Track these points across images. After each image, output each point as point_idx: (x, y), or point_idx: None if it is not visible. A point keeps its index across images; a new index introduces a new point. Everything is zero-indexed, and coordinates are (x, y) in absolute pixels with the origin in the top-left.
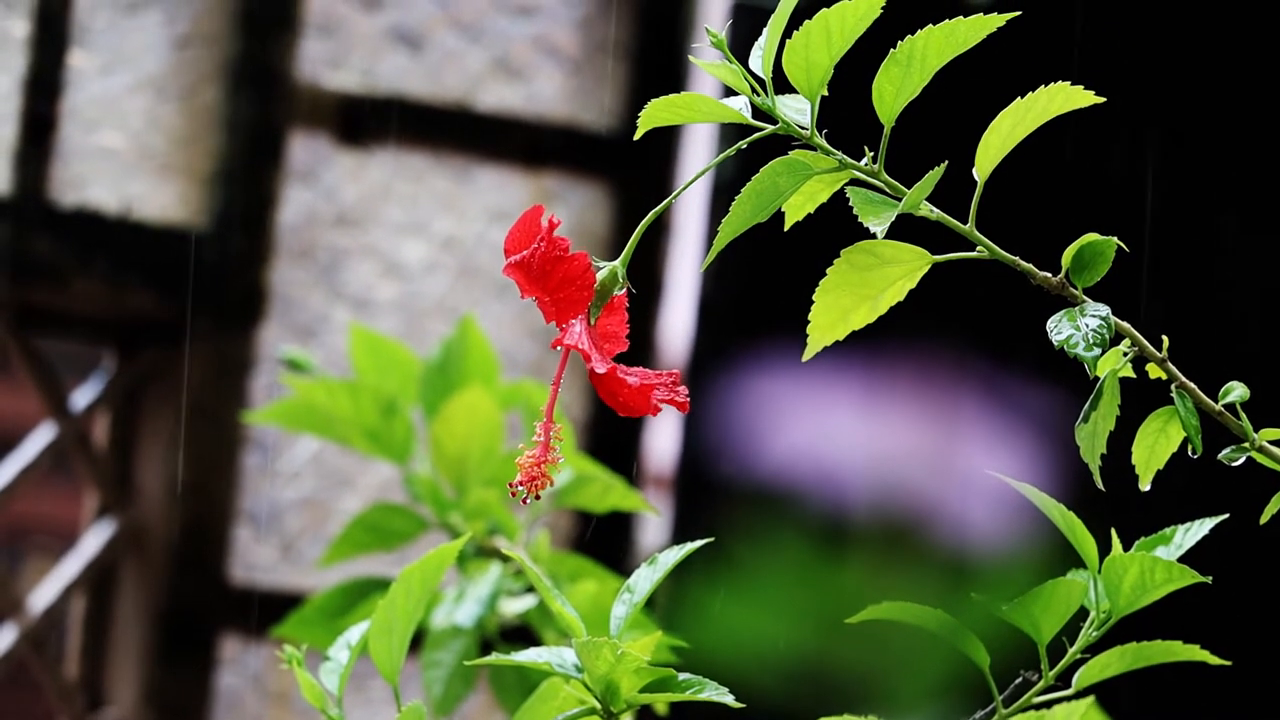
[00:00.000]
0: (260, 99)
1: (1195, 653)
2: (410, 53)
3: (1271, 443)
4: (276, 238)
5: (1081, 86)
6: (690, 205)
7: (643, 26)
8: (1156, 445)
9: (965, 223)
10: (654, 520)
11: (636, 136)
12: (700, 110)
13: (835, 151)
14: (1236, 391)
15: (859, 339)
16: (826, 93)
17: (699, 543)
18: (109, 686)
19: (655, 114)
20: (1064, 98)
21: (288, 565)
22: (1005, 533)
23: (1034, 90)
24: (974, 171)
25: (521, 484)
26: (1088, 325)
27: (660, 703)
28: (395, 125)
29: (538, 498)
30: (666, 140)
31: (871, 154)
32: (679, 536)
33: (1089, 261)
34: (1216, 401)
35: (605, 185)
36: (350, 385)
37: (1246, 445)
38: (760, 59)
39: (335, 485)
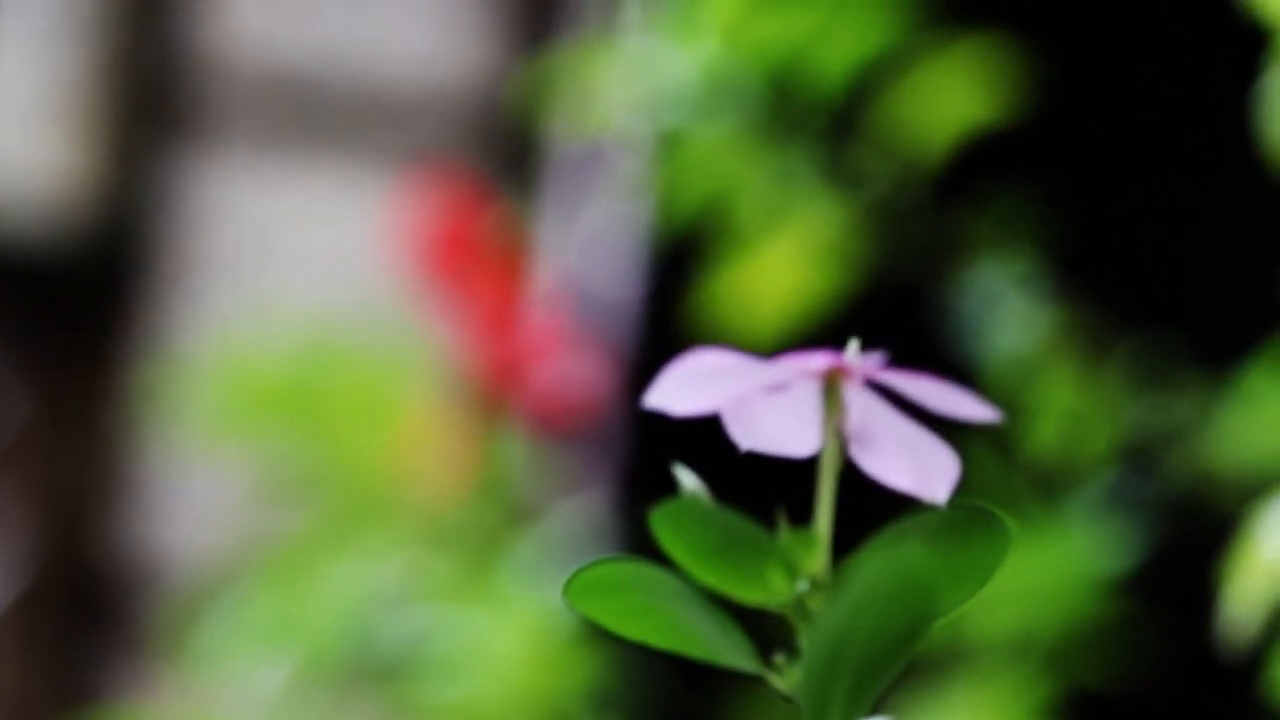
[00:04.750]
0: (128, 90)
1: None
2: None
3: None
4: (145, 243)
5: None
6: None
7: None
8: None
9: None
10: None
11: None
12: (612, 75)
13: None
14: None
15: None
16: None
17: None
18: None
19: (555, 78)
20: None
21: (172, 552)
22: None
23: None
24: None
25: (426, 465)
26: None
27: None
28: (255, 114)
29: (458, 485)
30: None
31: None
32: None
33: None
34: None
35: (492, 160)
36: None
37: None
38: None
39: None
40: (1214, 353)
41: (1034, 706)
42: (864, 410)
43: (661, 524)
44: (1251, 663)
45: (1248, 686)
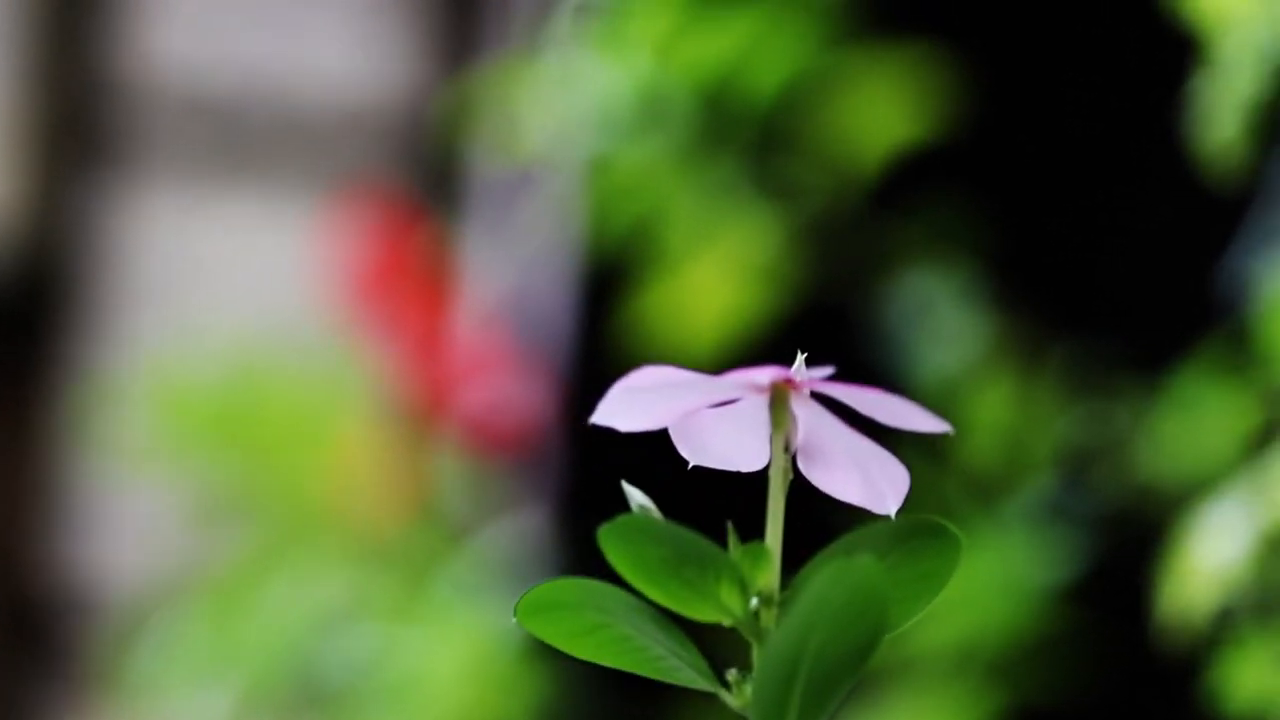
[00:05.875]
0: (52, 118)
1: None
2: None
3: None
4: (72, 270)
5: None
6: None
7: None
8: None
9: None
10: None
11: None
12: (540, 95)
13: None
14: None
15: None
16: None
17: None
18: None
19: (481, 98)
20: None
21: (108, 577)
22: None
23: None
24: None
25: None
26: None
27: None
28: (173, 135)
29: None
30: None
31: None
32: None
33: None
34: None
35: (419, 181)
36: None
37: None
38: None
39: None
40: (1149, 358)
41: (979, 719)
42: (812, 423)
43: (609, 540)
44: (1191, 670)
45: (1189, 694)
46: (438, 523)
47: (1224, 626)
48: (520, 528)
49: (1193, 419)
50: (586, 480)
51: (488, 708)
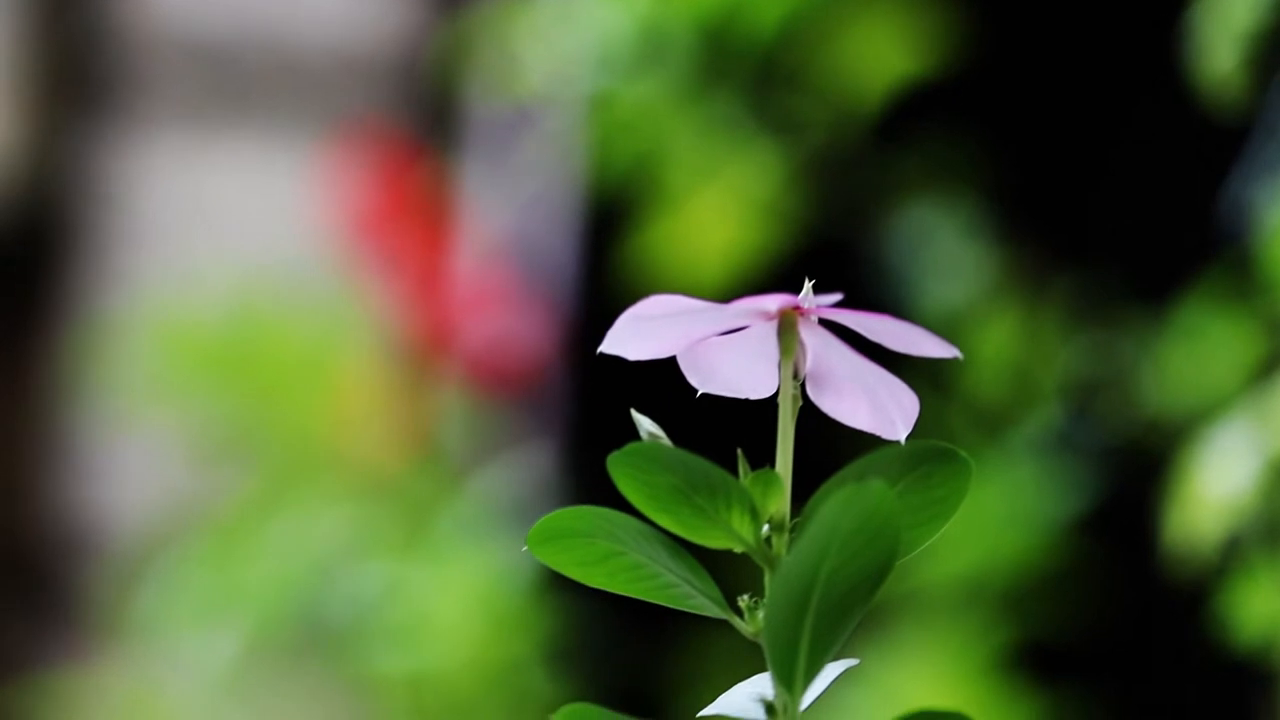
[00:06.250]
0: (52, 64)
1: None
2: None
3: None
4: (73, 214)
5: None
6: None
7: None
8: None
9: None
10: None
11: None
12: (538, 31)
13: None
14: None
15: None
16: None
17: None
18: None
19: (478, 37)
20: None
21: (110, 518)
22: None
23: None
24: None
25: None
26: None
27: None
28: (171, 82)
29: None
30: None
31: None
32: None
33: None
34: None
35: (417, 121)
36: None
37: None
38: None
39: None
40: (1153, 289)
41: (987, 654)
42: (820, 350)
43: (619, 468)
44: (1200, 599)
45: (1197, 623)
46: (441, 460)
47: (1231, 555)
48: (525, 464)
49: (1197, 348)
50: (592, 416)
51: (494, 644)
